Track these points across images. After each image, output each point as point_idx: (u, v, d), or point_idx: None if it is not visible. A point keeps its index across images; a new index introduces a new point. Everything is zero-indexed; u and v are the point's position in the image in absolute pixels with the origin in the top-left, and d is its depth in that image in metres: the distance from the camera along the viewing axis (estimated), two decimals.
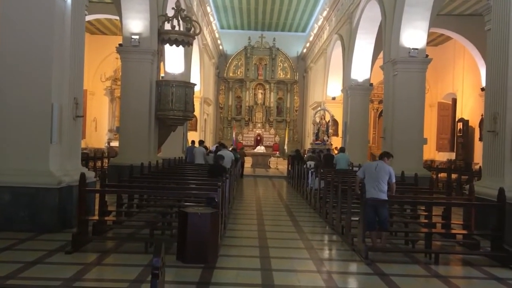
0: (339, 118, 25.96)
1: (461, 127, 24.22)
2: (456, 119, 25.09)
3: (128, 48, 15.52)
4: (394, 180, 8.00)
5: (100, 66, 28.08)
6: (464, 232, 8.57)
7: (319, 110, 27.91)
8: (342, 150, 18.27)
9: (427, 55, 16.18)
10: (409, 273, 6.83)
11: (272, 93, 39.00)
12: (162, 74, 18.77)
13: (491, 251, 7.70)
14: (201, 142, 19.73)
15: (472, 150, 23.60)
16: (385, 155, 8.27)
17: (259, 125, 38.44)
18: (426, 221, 9.49)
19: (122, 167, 13.05)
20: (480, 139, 19.41)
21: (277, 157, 32.11)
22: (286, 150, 34.98)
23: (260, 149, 30.72)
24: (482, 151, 10.63)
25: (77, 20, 9.36)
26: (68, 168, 9.05)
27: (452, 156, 25.09)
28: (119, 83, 21.41)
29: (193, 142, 21.02)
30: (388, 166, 7.99)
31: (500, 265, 7.22)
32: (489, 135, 9.80)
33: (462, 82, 25.01)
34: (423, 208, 10.26)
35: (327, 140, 25.66)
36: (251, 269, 6.67)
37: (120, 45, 15.81)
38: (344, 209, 9.37)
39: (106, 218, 8.71)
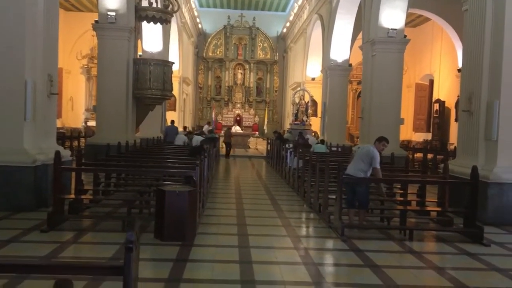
0: (318, 99, 26.06)
1: (438, 108, 24.54)
2: (433, 100, 25.39)
3: (104, 25, 15.21)
4: (376, 166, 7.90)
5: (76, 44, 27.55)
6: (438, 209, 8.74)
7: (299, 90, 27.93)
8: (321, 142, 18.25)
9: (405, 36, 16.26)
10: (384, 249, 6.95)
11: (251, 73, 38.85)
12: (139, 53, 18.52)
13: (463, 227, 7.89)
14: (188, 132, 19.40)
15: (448, 130, 23.98)
16: (377, 139, 8.17)
17: (238, 105, 38.34)
18: (401, 199, 9.65)
19: (99, 146, 12.92)
20: (456, 120, 19.68)
21: (257, 137, 32.15)
22: (266, 131, 35.03)
23: (236, 128, 30.70)
24: (457, 130, 10.79)
25: None
26: (43, 147, 8.90)
27: (429, 136, 25.46)
28: (95, 61, 21.04)
29: (172, 121, 20.89)
30: (374, 149, 7.95)
31: (472, 241, 7.40)
32: (464, 114, 9.95)
33: (440, 63, 25.27)
34: (399, 186, 10.41)
35: (306, 121, 25.74)
36: (229, 246, 6.71)
37: (96, 21, 15.51)
38: (321, 187, 9.46)
39: (83, 196, 8.61)
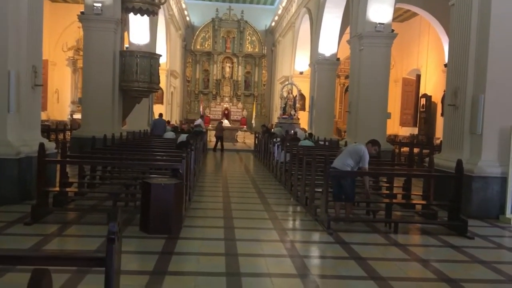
0: (306, 93, 26.09)
1: (424, 102, 24.68)
2: (420, 95, 25.53)
3: (90, 16, 15.05)
4: (365, 165, 7.92)
5: (62, 35, 27.29)
6: (423, 202, 8.78)
7: (287, 84, 27.95)
8: (309, 135, 18.23)
9: (392, 30, 16.30)
10: (369, 241, 6.99)
11: (240, 66, 38.73)
12: (126, 45, 18.37)
13: (448, 220, 7.94)
14: (174, 129, 19.30)
15: (434, 125, 24.15)
16: (370, 141, 8.19)
17: (226, 99, 38.22)
18: (387, 192, 9.70)
19: (85, 139, 12.80)
20: (442, 114, 19.83)
21: (245, 131, 32.12)
22: (254, 124, 35.02)
23: (224, 122, 30.62)
24: (443, 124, 10.87)
25: None
26: (27, 139, 8.80)
27: (415, 131, 25.61)
28: (81, 53, 20.85)
29: (160, 115, 20.77)
30: (365, 150, 7.94)
31: (456, 234, 7.47)
32: (450, 108, 10.01)
33: (426, 58, 25.40)
34: (385, 179, 10.47)
35: (294, 115, 25.79)
36: (215, 239, 6.69)
37: (82, 13, 15.34)
38: (308, 181, 9.47)
39: (68, 189, 8.53)
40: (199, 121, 24.69)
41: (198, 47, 38.53)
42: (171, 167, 8.48)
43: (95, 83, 15.21)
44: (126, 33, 17.72)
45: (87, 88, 15.60)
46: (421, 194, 9.44)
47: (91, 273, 4.86)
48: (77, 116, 24.61)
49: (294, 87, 26.73)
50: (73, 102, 28.09)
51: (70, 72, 28.38)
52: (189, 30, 38.65)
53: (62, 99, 28.39)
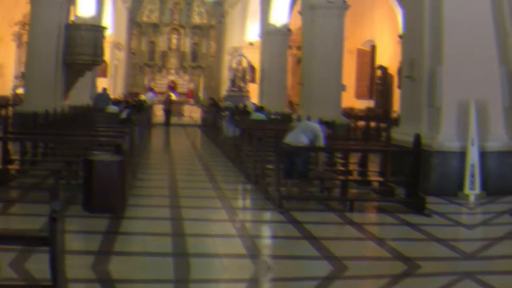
0: (257, 64, 25.66)
1: (380, 74, 24.57)
2: (375, 66, 25.40)
3: None
4: (321, 144, 7.72)
5: (9, 11, 26.14)
6: (380, 179, 8.62)
7: (236, 56, 27.43)
8: (260, 108, 17.51)
9: (344, 1, 16.05)
10: (324, 220, 6.77)
11: (187, 38, 37.82)
12: (73, 17, 17.70)
13: (405, 197, 7.69)
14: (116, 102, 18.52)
15: (391, 98, 23.95)
16: (326, 122, 8.11)
17: (172, 71, 37.36)
18: (342, 168, 9.45)
19: (27, 115, 12.30)
20: (399, 87, 19.79)
21: (192, 104, 31.44)
22: (201, 98, 34.45)
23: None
24: (400, 97, 10.69)
25: None
26: None
27: (371, 104, 25.51)
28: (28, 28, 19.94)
29: (104, 89, 20.03)
30: (321, 129, 7.72)
31: (414, 211, 7.20)
32: (407, 81, 9.74)
33: (381, 28, 25.16)
34: (340, 155, 10.19)
35: (244, 87, 25.39)
36: (161, 219, 6.51)
37: None
38: (259, 157, 9.12)
39: (10, 167, 8.31)
40: (149, 95, 23.95)
41: (144, 19, 37.41)
42: (114, 143, 8.02)
43: (38, 57, 14.78)
44: (73, 6, 17.01)
45: (30, 62, 15.23)
46: (378, 170, 9.25)
47: (36, 252, 4.53)
48: (21, 91, 23.68)
49: (243, 58, 26.25)
50: (16, 77, 27.11)
51: (15, 46, 27.22)
52: (137, 2, 37.26)
53: (6, 74, 27.51)
